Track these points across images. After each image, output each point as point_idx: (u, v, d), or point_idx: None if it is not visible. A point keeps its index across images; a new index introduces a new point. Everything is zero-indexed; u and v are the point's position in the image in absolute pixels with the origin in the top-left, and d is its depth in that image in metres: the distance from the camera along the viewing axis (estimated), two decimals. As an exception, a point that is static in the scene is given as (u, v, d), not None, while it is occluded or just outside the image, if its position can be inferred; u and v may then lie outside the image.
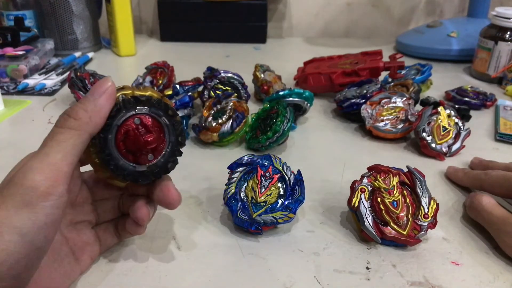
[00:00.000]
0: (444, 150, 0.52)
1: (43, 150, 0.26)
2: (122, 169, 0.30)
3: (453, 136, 0.53)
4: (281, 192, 0.39)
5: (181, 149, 0.32)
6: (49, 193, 0.24)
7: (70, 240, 0.31)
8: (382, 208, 0.37)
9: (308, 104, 0.59)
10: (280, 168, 0.40)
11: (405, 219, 0.37)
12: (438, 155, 0.52)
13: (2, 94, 0.66)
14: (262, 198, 0.38)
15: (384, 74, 0.71)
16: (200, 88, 0.63)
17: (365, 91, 0.60)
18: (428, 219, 0.37)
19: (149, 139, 0.30)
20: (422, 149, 0.52)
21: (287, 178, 0.39)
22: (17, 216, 0.23)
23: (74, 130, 0.26)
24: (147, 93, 0.30)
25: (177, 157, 0.32)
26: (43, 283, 0.28)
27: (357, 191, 0.38)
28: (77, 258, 0.32)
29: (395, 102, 0.57)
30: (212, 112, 0.55)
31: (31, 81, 0.72)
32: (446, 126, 0.53)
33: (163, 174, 0.31)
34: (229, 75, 0.62)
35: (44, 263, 0.26)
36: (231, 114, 0.53)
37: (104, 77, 0.29)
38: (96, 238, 0.34)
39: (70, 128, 0.26)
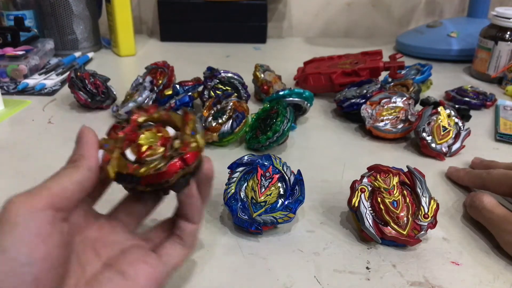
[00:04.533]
0: (444, 150, 0.52)
1: None
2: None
3: (453, 136, 0.53)
4: (281, 192, 0.39)
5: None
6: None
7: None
8: (382, 208, 0.37)
9: (308, 104, 0.59)
10: (280, 168, 0.40)
11: (405, 219, 0.37)
12: (438, 155, 0.52)
13: (2, 94, 0.66)
14: (262, 198, 0.38)
15: (384, 74, 0.71)
16: (200, 88, 0.63)
17: (365, 91, 0.60)
18: (428, 219, 0.37)
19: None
20: (422, 149, 0.52)
21: (287, 178, 0.39)
22: None
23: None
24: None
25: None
26: None
27: (357, 191, 0.38)
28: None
29: (395, 102, 0.57)
30: (212, 112, 0.55)
31: (31, 81, 0.72)
32: (446, 126, 0.53)
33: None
34: (229, 75, 0.62)
35: None
36: (231, 114, 0.53)
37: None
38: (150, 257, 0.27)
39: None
